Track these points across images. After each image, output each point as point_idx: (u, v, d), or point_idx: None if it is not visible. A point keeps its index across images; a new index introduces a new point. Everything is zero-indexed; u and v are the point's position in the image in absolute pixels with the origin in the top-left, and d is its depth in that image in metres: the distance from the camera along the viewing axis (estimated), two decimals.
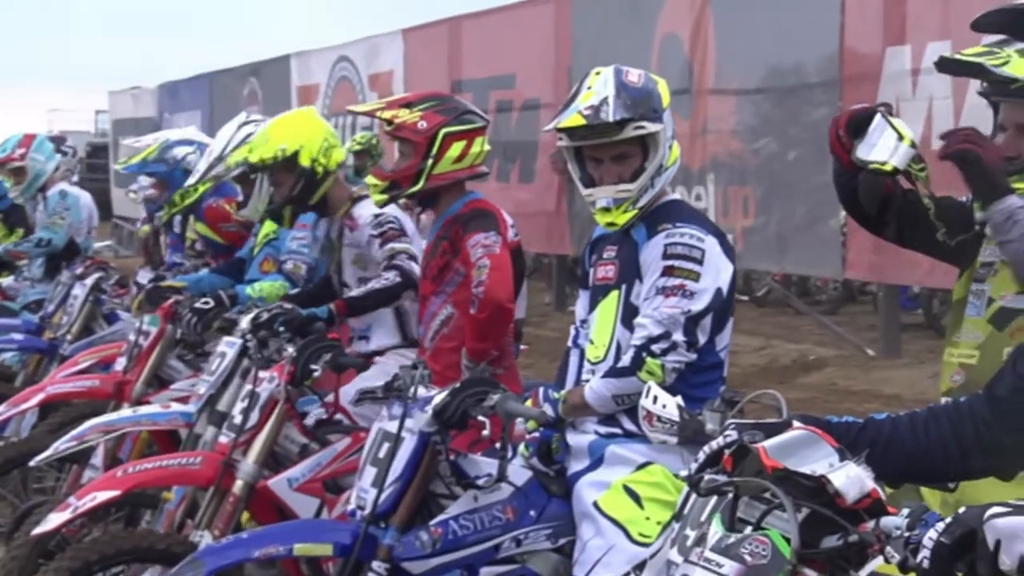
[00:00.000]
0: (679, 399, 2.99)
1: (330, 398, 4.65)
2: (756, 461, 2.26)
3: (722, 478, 2.33)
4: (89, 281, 7.36)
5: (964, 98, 8.44)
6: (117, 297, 7.30)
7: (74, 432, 5.17)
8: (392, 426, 3.77)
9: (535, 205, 13.65)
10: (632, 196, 3.77)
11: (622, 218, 3.79)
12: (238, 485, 4.55)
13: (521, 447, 3.88)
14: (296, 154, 5.16)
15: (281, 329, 4.83)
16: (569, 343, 4.02)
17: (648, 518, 3.59)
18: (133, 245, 23.51)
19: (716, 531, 2.32)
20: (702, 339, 3.69)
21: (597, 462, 3.74)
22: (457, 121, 4.69)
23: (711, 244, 3.73)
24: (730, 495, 2.34)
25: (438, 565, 3.68)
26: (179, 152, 6.93)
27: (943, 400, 3.19)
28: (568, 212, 13.43)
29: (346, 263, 5.23)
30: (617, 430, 3.75)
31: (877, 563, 2.15)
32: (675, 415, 2.95)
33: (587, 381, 3.80)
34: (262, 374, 4.73)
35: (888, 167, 3.29)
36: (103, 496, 4.45)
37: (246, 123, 6.04)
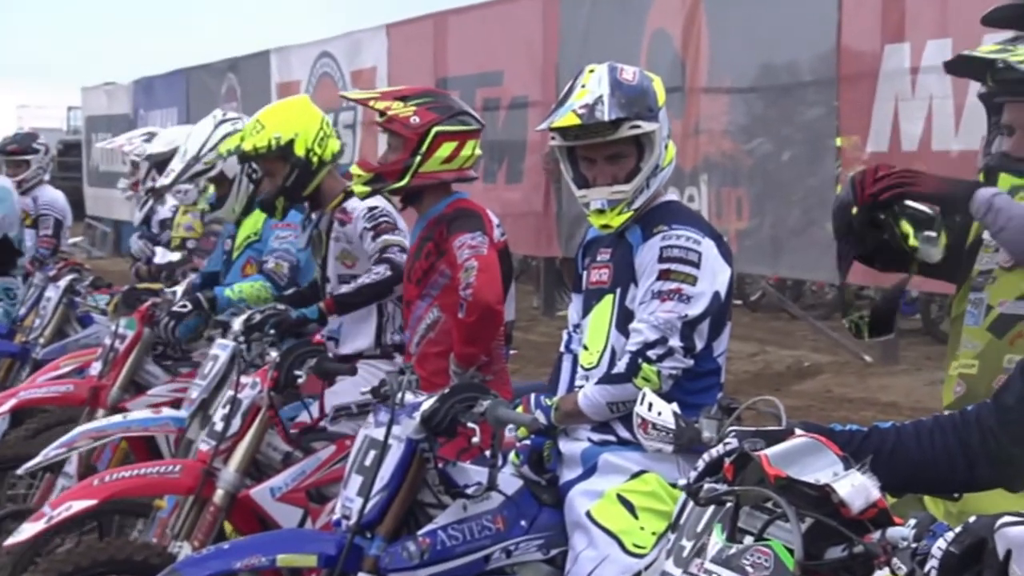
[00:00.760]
0: (675, 406, 2.99)
1: (315, 405, 4.65)
2: (758, 469, 2.26)
3: (722, 487, 2.33)
4: (62, 283, 7.34)
5: (964, 97, 8.46)
6: (92, 299, 7.27)
7: (63, 439, 5.16)
8: (379, 433, 3.76)
9: (522, 206, 13.65)
10: (627, 197, 3.77)
11: (617, 220, 3.79)
12: (219, 494, 4.55)
13: (512, 455, 3.88)
14: (291, 143, 5.14)
15: (272, 332, 4.82)
16: (561, 348, 4.02)
17: (643, 528, 3.60)
18: (106, 245, 23.48)
19: (716, 542, 2.32)
20: (699, 344, 3.69)
21: (590, 471, 3.74)
22: (451, 121, 4.67)
23: (708, 246, 3.73)
24: (731, 504, 2.34)
25: None
26: None
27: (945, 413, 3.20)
28: (556, 213, 13.44)
29: (330, 258, 5.20)
30: (611, 438, 3.75)
31: (883, 575, 2.16)
32: (671, 422, 2.95)
33: (580, 387, 3.80)
34: (244, 379, 4.72)
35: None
36: (79, 505, 4.44)
37: (223, 121, 6.03)
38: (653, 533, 3.57)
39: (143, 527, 4.93)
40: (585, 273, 3.95)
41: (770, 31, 10.67)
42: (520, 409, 3.84)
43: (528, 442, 3.86)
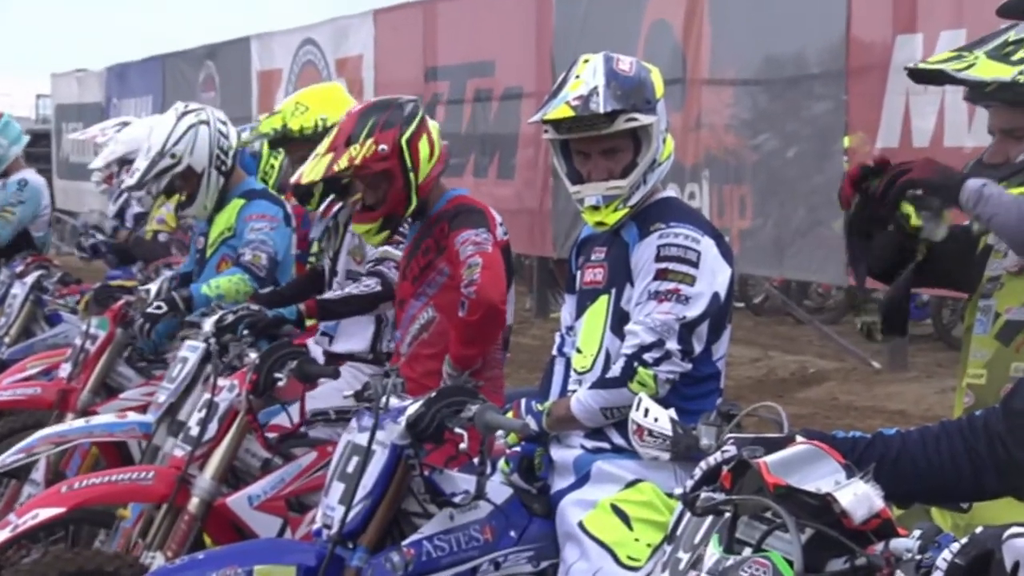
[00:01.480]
0: (672, 412, 3.00)
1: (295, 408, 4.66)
2: (757, 478, 2.27)
3: (720, 496, 2.34)
4: (29, 279, 7.34)
5: None
6: (61, 297, 7.27)
7: (21, 444, 5.17)
8: (362, 438, 3.77)
9: (515, 203, 13.65)
10: (623, 193, 3.79)
11: (612, 217, 3.81)
12: (194, 503, 4.56)
13: (501, 462, 3.90)
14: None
15: (245, 332, 4.82)
16: (554, 351, 4.04)
17: (637, 540, 3.61)
18: (75, 241, 23.45)
19: (713, 553, 2.33)
20: (698, 348, 3.71)
21: (583, 479, 3.76)
22: (403, 122, 4.62)
23: (707, 245, 3.75)
24: (728, 514, 2.36)
25: None
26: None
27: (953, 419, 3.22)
28: (551, 211, 13.46)
29: (343, 251, 5.20)
30: (605, 445, 3.76)
31: None
32: (668, 429, 2.97)
33: (573, 392, 3.82)
34: (222, 382, 4.73)
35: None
36: (46, 513, 4.45)
37: (186, 113, 6.04)
38: (648, 545, 3.59)
39: (105, 538, 4.92)
40: (579, 273, 3.97)
41: (776, 20, 10.69)
42: (510, 414, 3.85)
43: (518, 449, 3.88)
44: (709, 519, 2.46)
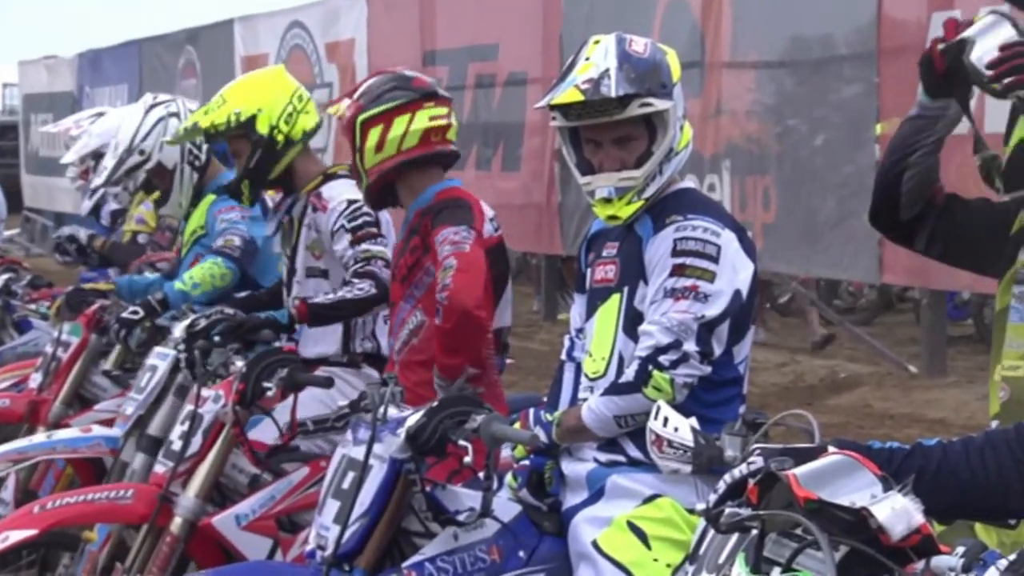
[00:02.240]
0: (693, 421, 3.01)
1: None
2: (786, 491, 2.27)
3: (746, 512, 2.34)
4: None
5: None
6: (31, 302, 7.28)
7: None
8: (358, 452, 3.77)
9: (521, 197, 13.66)
10: (637, 185, 3.79)
11: (625, 210, 3.80)
12: (176, 523, 4.56)
13: (508, 477, 3.89)
14: (252, 119, 5.15)
15: (217, 339, 4.81)
16: (563, 356, 4.03)
17: (656, 560, 3.61)
18: (47, 241, 23.47)
19: (740, 573, 2.34)
20: (718, 349, 3.71)
21: (597, 495, 3.75)
22: (373, 104, 4.64)
23: (728, 239, 3.75)
24: (755, 531, 2.36)
25: None
26: None
27: (993, 425, 3.21)
28: (559, 205, 13.45)
29: (300, 247, 5.20)
30: (620, 457, 3.76)
31: None
32: (689, 439, 2.97)
33: (585, 400, 3.82)
34: (206, 392, 4.72)
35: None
36: (17, 536, 4.46)
37: (154, 106, 6.03)
38: (668, 565, 3.59)
39: (69, 562, 4.92)
40: (589, 271, 3.97)
41: None
42: (518, 425, 3.85)
43: (527, 462, 3.87)
44: (735, 537, 2.46)
